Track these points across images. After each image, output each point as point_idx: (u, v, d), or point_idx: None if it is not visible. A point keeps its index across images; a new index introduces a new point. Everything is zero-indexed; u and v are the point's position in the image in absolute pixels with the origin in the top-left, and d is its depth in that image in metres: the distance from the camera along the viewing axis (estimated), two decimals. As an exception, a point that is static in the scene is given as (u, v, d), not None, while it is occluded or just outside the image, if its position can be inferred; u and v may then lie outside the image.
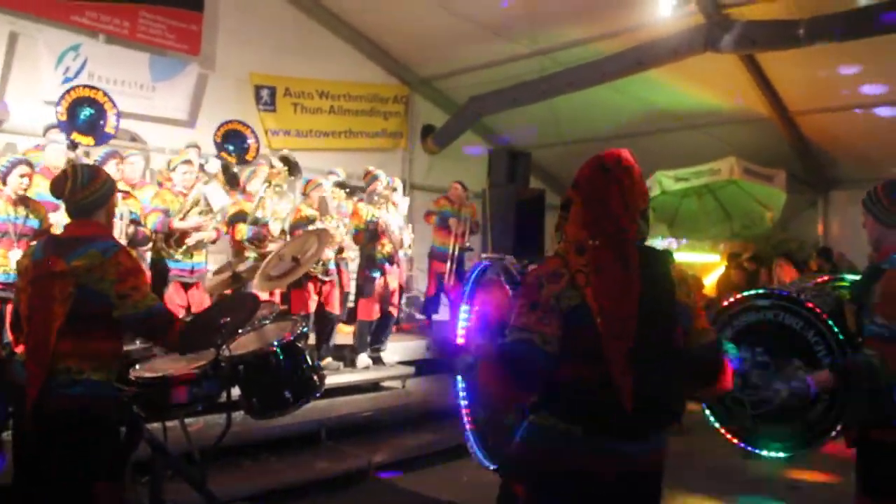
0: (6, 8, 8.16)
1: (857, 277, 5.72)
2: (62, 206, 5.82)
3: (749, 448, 4.69)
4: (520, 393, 2.21)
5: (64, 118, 7.26)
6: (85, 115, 7.68)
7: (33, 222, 5.67)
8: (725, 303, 5.07)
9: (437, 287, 9.68)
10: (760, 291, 5.20)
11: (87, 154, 7.50)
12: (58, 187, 3.32)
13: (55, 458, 3.02)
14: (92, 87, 8.03)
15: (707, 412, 5.17)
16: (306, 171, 9.86)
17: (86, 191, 3.26)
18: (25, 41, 8.35)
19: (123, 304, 3.14)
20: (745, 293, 5.24)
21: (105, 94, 7.98)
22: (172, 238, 6.58)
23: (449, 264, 9.39)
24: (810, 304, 4.56)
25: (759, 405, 4.62)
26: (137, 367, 3.68)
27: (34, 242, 4.91)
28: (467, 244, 9.56)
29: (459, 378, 3.64)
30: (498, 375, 2.22)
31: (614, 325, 2.14)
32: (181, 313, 6.17)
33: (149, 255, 6.77)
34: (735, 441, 4.74)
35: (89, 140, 7.44)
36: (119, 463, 3.33)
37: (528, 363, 2.16)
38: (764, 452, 4.71)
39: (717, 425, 4.98)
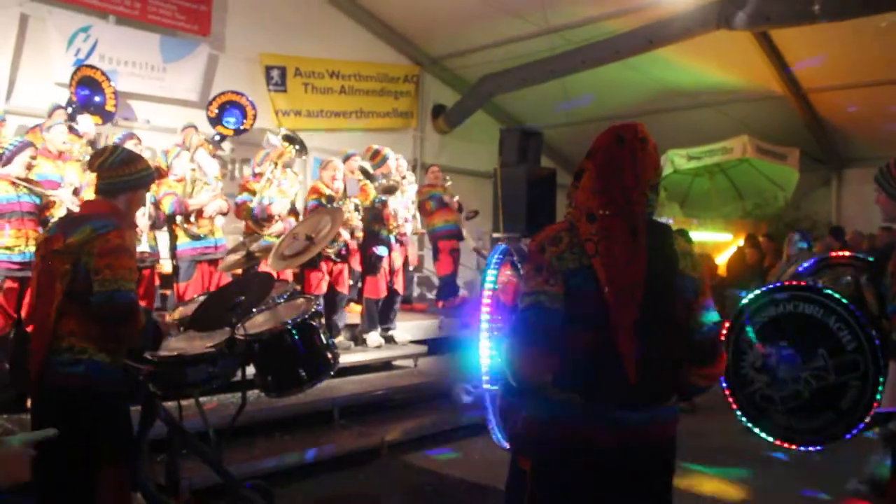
0: (15, -11, 8.15)
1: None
2: (64, 185, 5.90)
3: (787, 444, 4.68)
4: (547, 358, 2.21)
5: (75, 99, 7.32)
6: (83, 94, 7.73)
7: (35, 199, 5.61)
8: (745, 300, 5.03)
9: (453, 265, 9.66)
10: (777, 285, 5.17)
11: (99, 135, 7.51)
12: (93, 160, 3.35)
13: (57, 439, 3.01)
14: (91, 67, 8.05)
15: (739, 413, 5.16)
16: (317, 151, 9.89)
17: (112, 172, 3.25)
18: (35, 23, 8.31)
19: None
20: (762, 289, 5.21)
21: (103, 73, 8.00)
22: (191, 216, 6.69)
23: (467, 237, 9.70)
24: (828, 291, 4.53)
25: (790, 399, 4.61)
26: (153, 345, 3.70)
27: (53, 219, 4.96)
28: (471, 214, 9.95)
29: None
30: (521, 346, 2.23)
31: (622, 295, 2.15)
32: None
33: (168, 244, 6.85)
34: (770, 439, 4.73)
35: (97, 119, 7.48)
36: (125, 447, 3.27)
37: (545, 325, 2.18)
38: (801, 448, 4.68)
39: (749, 426, 4.98)
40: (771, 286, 5.26)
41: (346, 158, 8.18)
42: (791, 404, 4.84)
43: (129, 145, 6.31)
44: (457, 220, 9.56)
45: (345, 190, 7.42)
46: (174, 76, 9.32)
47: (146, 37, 9.10)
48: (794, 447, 4.90)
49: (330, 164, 7.53)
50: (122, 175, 3.25)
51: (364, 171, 7.98)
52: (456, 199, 9.63)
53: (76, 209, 5.81)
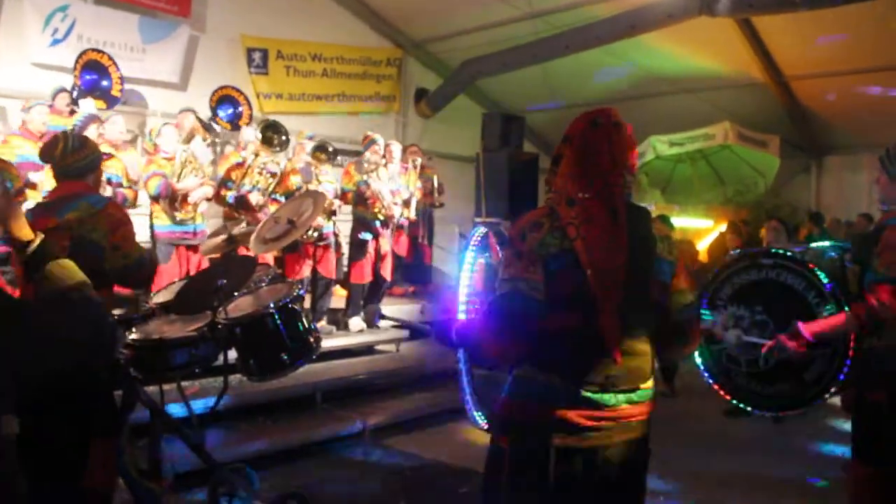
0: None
1: (827, 244, 5.64)
2: (45, 167, 5.81)
3: (742, 406, 4.72)
4: (518, 345, 2.23)
5: (78, 82, 7.27)
6: (88, 78, 7.67)
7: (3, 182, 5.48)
8: (728, 258, 5.05)
9: (413, 251, 9.61)
10: (765, 250, 5.19)
11: (72, 112, 7.41)
12: (48, 151, 3.34)
13: (51, 411, 3.01)
14: (97, 51, 7.98)
15: (701, 368, 5.21)
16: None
17: (76, 155, 3.30)
18: (11, 2, 8.18)
19: (115, 255, 3.20)
20: (750, 250, 5.23)
21: (109, 57, 7.94)
22: (176, 201, 6.62)
23: (422, 226, 9.50)
24: (812, 266, 4.55)
25: (754, 363, 4.65)
26: (134, 329, 3.68)
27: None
28: (437, 203, 9.78)
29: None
30: (493, 330, 2.25)
31: (605, 277, 2.17)
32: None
33: (147, 223, 6.77)
34: (728, 398, 4.77)
35: (101, 104, 7.41)
36: (115, 419, 3.32)
37: (520, 313, 2.19)
38: (756, 411, 4.73)
39: (710, 382, 5.03)
40: (758, 250, 5.31)
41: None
42: (755, 368, 4.87)
43: (91, 129, 6.21)
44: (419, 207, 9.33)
45: (304, 175, 7.34)
46: (154, 57, 9.21)
47: (125, 17, 8.98)
48: (749, 409, 4.94)
49: (298, 145, 7.50)
50: (85, 157, 3.34)
51: (321, 149, 7.77)
52: (429, 182, 9.50)
53: None
